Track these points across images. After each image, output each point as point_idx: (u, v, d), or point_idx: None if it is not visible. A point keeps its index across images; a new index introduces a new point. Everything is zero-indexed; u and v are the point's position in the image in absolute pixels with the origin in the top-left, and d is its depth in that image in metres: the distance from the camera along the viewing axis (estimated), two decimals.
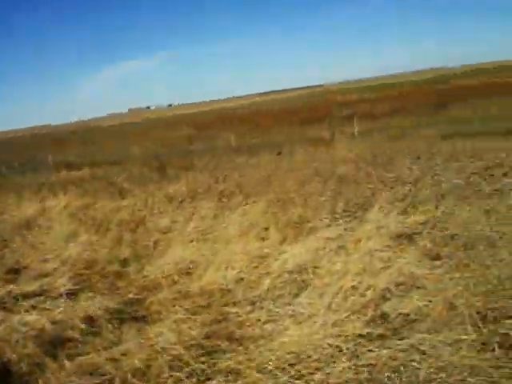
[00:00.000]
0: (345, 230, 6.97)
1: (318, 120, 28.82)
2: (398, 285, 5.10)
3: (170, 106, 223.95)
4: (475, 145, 13.03)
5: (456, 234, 6.29)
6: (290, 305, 5.15)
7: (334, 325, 4.53)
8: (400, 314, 4.63)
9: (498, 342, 3.90)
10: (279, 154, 16.50)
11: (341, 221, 7.46)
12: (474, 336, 4.04)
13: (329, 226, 7.33)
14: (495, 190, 8.11)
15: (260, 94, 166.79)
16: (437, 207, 7.47)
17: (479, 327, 4.14)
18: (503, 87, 36.63)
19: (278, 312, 5.04)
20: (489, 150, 11.57)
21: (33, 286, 6.44)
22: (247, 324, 4.89)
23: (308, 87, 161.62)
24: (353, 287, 5.14)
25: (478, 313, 4.33)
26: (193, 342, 4.56)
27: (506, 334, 4.00)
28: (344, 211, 8.00)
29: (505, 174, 9.02)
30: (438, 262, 5.52)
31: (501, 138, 14.00)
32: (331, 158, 14.01)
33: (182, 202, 10.21)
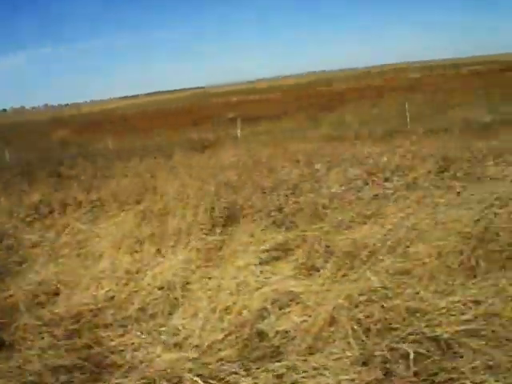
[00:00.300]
0: (220, 241, 6.72)
1: (203, 122, 28.81)
2: (274, 301, 4.86)
3: (46, 105, 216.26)
4: (357, 148, 13.28)
5: (335, 244, 6.16)
6: (163, 326, 4.84)
7: (210, 347, 4.27)
8: (278, 332, 4.41)
9: (381, 357, 3.78)
10: (155, 158, 16.02)
11: (218, 231, 7.19)
12: (357, 351, 3.89)
13: (205, 236, 7.05)
14: (376, 195, 8.19)
15: (147, 95, 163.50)
16: (315, 215, 7.39)
17: (363, 341, 4.02)
18: (384, 90, 38.46)
19: (150, 335, 4.70)
20: (370, 154, 11.81)
21: None
22: (120, 349, 4.53)
23: (202, 87, 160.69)
24: (228, 305, 4.90)
25: (360, 325, 4.21)
26: (60, 372, 4.14)
27: (391, 349, 3.89)
28: (221, 219, 7.75)
29: (386, 179, 9.17)
30: (315, 274, 5.35)
31: (380, 142, 14.38)
32: (213, 163, 13.81)
33: (51, 212, 9.57)
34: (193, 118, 33.40)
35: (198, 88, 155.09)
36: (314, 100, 38.88)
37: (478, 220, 5.98)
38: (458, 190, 7.57)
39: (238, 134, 21.10)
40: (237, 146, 17.51)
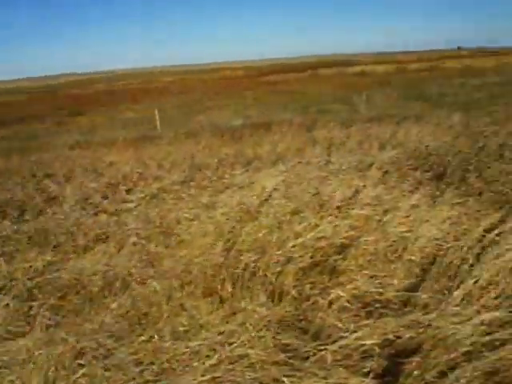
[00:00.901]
0: None
1: None
2: None
3: None
4: (100, 157, 12.31)
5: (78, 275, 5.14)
6: None
7: None
8: None
9: None
10: None
11: None
12: None
13: None
14: (116, 210, 7.37)
15: None
16: (38, 244, 6.24)
17: None
18: (140, 93, 38.42)
19: None
20: (113, 163, 11.00)
21: None
22: None
23: None
24: None
25: None
26: None
27: None
28: None
29: (128, 191, 8.42)
30: (31, 324, 4.34)
31: (127, 149, 13.57)
32: None
33: None
34: None
35: None
36: (64, 103, 37.07)
37: (226, 237, 5.44)
38: (204, 202, 6.97)
39: None
40: None
